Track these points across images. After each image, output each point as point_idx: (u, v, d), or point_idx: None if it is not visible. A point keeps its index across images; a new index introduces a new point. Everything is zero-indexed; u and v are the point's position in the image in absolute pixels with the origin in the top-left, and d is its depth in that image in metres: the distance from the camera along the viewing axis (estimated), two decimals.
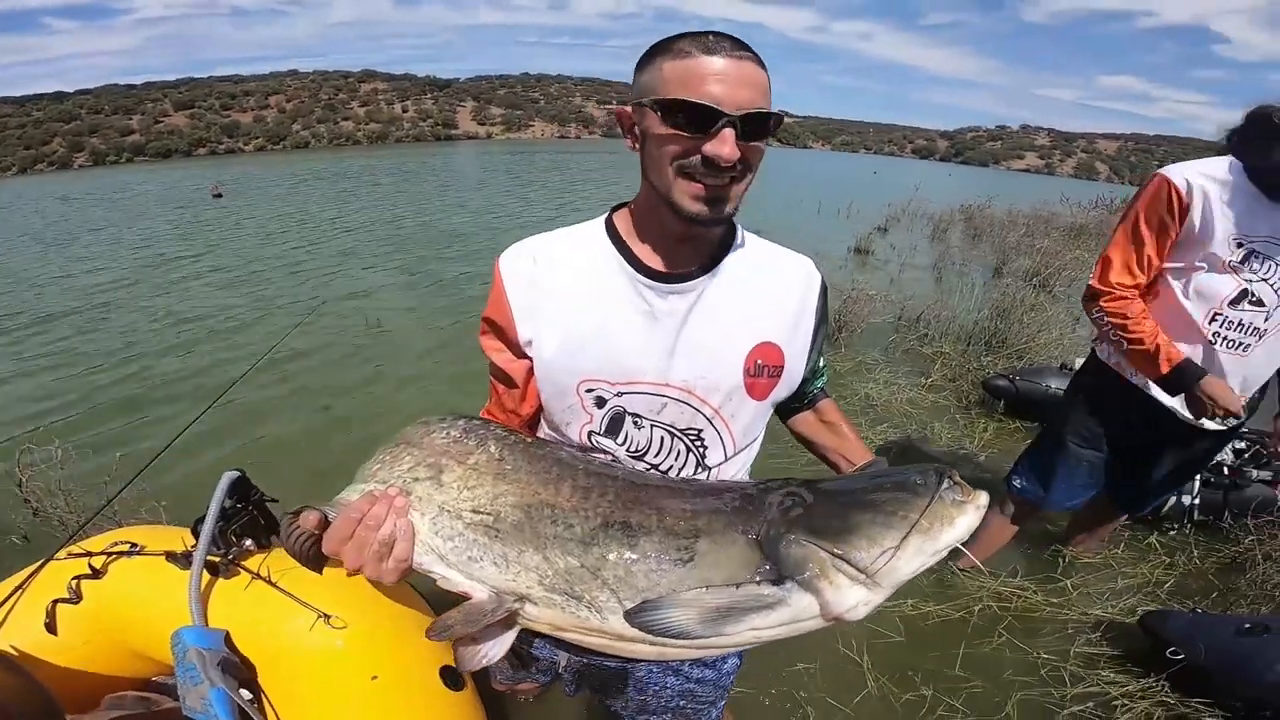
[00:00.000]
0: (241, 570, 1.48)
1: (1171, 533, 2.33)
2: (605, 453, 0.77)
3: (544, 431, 0.87)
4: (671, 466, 0.80)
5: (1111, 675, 1.67)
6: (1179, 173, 1.46)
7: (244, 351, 4.46)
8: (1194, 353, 1.52)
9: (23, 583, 1.45)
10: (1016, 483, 1.93)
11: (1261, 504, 2.23)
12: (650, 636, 0.57)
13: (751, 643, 0.60)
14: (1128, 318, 1.54)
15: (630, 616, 0.57)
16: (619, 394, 0.76)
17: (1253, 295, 1.44)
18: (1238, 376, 1.53)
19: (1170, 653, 1.58)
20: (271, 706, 1.28)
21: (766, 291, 0.79)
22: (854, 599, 0.58)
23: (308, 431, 3.29)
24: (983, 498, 0.63)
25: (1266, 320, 1.45)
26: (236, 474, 1.67)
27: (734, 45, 0.64)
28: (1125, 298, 1.55)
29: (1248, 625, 1.54)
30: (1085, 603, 1.95)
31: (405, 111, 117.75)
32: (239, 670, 1.30)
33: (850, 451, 0.91)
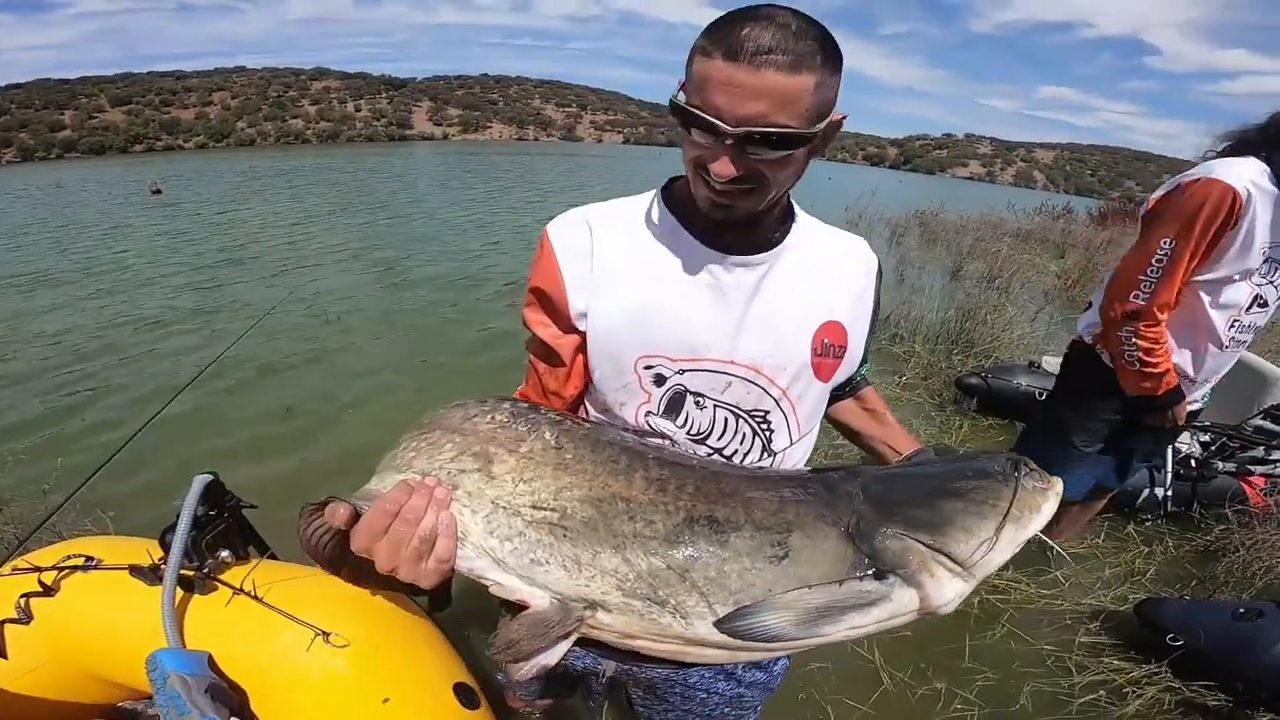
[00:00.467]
0: (219, 585, 1.35)
1: (1147, 523, 2.41)
2: (664, 436, 0.72)
3: (591, 416, 0.80)
4: (736, 451, 0.75)
5: (1116, 663, 1.70)
6: (1238, 178, 1.33)
7: (193, 357, 4.20)
8: (1210, 359, 1.53)
9: None
10: None
11: (1229, 495, 2.32)
12: (738, 641, 0.52)
13: (841, 641, 0.55)
14: (1158, 344, 1.49)
15: (724, 624, 0.51)
16: (681, 371, 0.71)
17: (1261, 298, 1.45)
18: (1221, 371, 1.59)
19: (1170, 639, 1.61)
20: None
21: (833, 270, 0.76)
22: (952, 592, 0.54)
23: (269, 436, 3.11)
24: (1059, 484, 0.61)
25: (1266, 318, 1.49)
26: (209, 477, 1.51)
27: (766, 45, 0.55)
28: (1162, 322, 1.49)
29: (1242, 610, 1.59)
30: (1078, 593, 1.99)
31: (359, 110, 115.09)
32: (229, 697, 1.18)
33: (895, 440, 0.88)
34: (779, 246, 0.73)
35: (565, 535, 0.55)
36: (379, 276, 6.48)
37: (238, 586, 1.33)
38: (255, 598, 1.30)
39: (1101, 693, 1.62)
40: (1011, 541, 0.56)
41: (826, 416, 0.92)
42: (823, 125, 0.60)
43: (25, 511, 2.16)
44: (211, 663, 1.22)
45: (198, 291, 5.97)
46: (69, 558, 1.41)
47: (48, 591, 1.34)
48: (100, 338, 4.68)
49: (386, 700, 1.14)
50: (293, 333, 4.63)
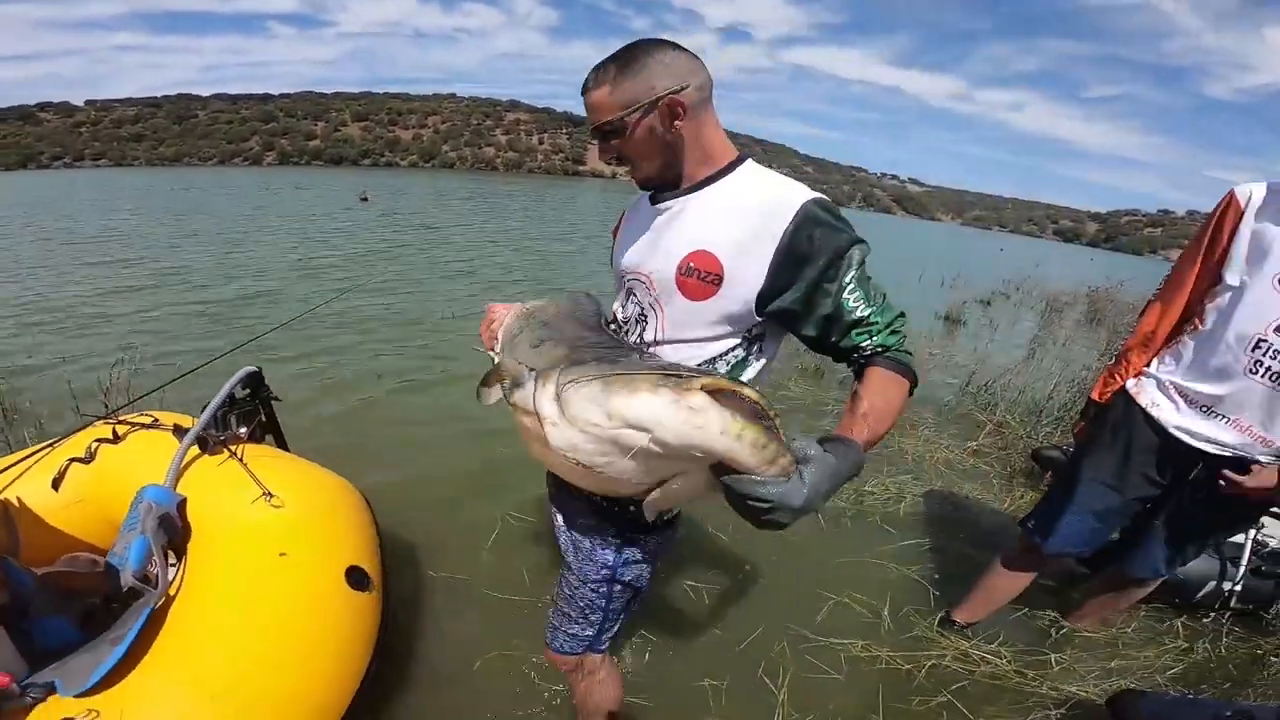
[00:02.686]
0: (225, 450, 1.61)
1: (1205, 620, 2.03)
2: (617, 319, 1.10)
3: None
4: (629, 331, 1.04)
5: None
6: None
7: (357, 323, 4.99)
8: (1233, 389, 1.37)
9: (55, 441, 1.61)
10: (1029, 523, 1.76)
11: None
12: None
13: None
14: None
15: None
16: (624, 277, 1.07)
17: None
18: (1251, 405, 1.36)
19: None
20: (183, 569, 1.36)
21: (724, 212, 0.92)
22: (544, 404, 0.73)
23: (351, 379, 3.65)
24: (696, 398, 0.61)
25: None
26: (254, 368, 1.85)
27: (585, 82, 0.93)
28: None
29: (1229, 713, 1.31)
30: (1064, 678, 1.73)
31: (541, 144, 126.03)
32: (175, 531, 1.41)
33: (843, 427, 0.86)
34: (692, 193, 0.96)
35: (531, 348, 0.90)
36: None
37: (234, 452, 1.60)
38: (240, 461, 1.56)
39: None
40: (591, 399, 0.67)
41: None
42: (632, 111, 0.89)
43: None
44: (182, 505, 1.46)
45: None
46: (142, 415, 1.77)
47: (116, 440, 1.65)
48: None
49: (283, 554, 1.33)
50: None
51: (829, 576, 2.16)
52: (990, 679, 1.73)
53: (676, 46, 0.92)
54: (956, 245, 36.36)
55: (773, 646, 1.82)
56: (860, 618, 1.98)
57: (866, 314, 0.87)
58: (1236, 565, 2.00)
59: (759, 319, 0.92)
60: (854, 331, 0.88)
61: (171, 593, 1.28)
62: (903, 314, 0.90)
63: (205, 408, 1.66)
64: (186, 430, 1.64)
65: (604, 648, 1.24)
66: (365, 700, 1.32)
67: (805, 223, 0.85)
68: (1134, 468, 1.55)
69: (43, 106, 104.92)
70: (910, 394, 0.88)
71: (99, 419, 1.74)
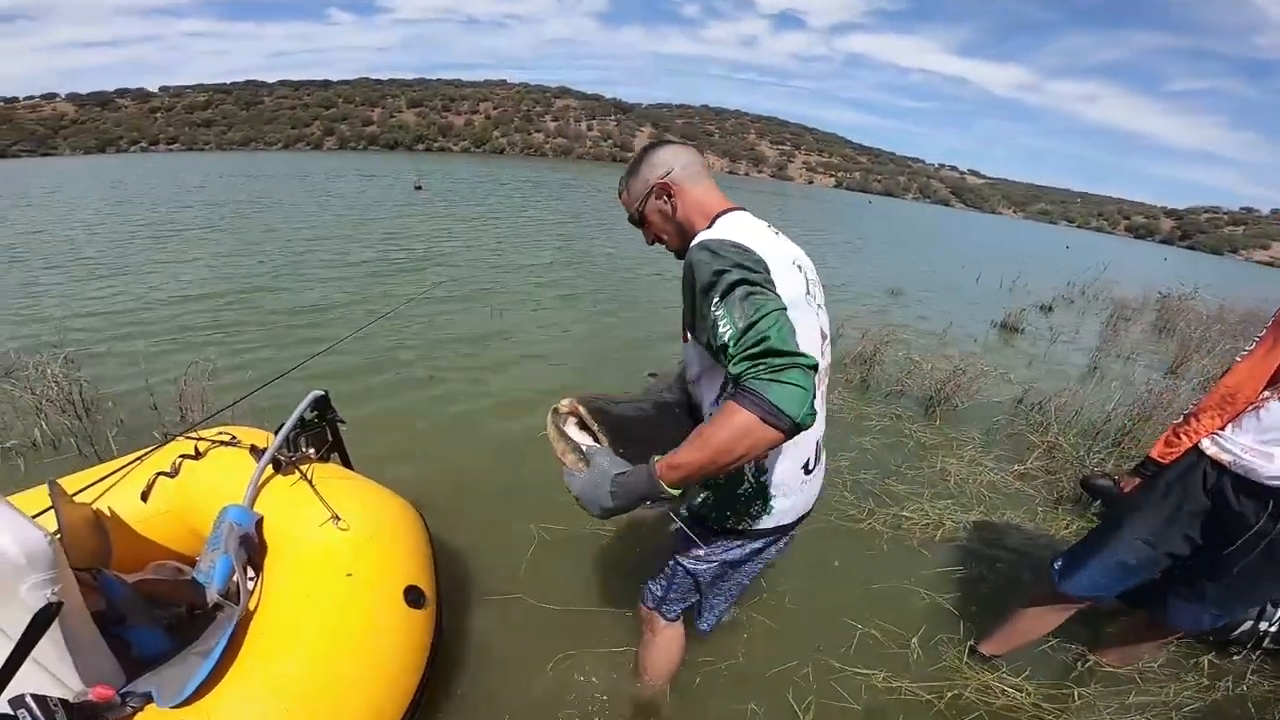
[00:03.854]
0: (296, 470, 1.74)
1: (1235, 657, 1.97)
2: None
3: None
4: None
5: None
6: None
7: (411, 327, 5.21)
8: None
9: (142, 455, 1.79)
10: (1056, 563, 1.78)
11: None
12: None
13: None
14: None
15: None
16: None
17: None
18: None
19: None
20: (260, 584, 1.49)
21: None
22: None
23: (401, 388, 3.82)
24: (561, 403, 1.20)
25: None
26: (321, 392, 1.98)
27: (619, 191, 1.27)
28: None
29: None
30: (1082, 714, 1.72)
31: (590, 130, 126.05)
32: (254, 549, 1.53)
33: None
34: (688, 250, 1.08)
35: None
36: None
37: (305, 474, 1.72)
38: (310, 482, 1.67)
39: None
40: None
41: None
42: (641, 201, 1.21)
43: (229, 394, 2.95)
44: (260, 524, 1.59)
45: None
46: (221, 434, 1.92)
47: (198, 455, 1.81)
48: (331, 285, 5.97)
49: (349, 575, 1.44)
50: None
51: (861, 603, 2.17)
52: (1008, 711, 1.74)
53: (665, 143, 1.23)
54: (1019, 238, 34.79)
55: (799, 673, 1.86)
56: (887, 648, 2.00)
57: (727, 341, 0.90)
58: (1277, 606, 1.94)
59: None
60: (723, 358, 0.92)
61: (251, 607, 1.40)
62: (762, 335, 0.86)
63: (279, 430, 1.79)
64: (262, 450, 1.77)
65: (670, 616, 1.49)
66: (420, 711, 1.42)
67: (693, 259, 1.00)
68: (1177, 529, 1.55)
69: (121, 93, 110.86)
70: (771, 424, 0.83)
71: (182, 434, 1.91)
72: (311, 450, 1.88)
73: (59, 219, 11.20)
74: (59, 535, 1.35)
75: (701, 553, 1.31)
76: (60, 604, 1.04)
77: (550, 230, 12.59)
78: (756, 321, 0.87)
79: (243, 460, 1.78)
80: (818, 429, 1.19)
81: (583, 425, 1.15)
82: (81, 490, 1.63)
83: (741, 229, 1.06)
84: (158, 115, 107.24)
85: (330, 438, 1.99)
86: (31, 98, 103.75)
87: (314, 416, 1.96)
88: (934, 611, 2.19)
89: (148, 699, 1.14)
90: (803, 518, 1.27)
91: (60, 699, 1.01)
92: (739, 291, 0.91)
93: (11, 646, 0.98)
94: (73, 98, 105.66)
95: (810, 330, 1.08)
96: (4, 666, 0.97)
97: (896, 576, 2.35)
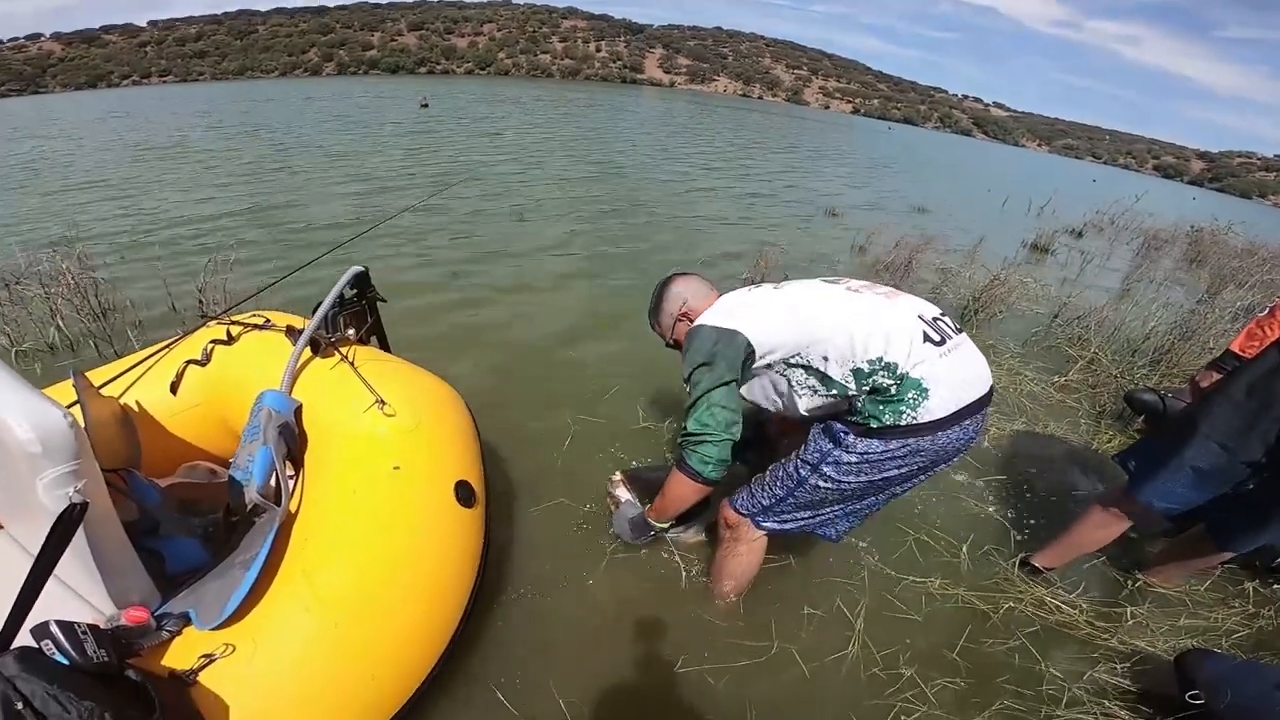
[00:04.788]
0: (336, 352, 1.58)
1: (1276, 586, 1.93)
2: None
3: None
4: None
5: (1114, 708, 1.44)
6: None
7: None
8: None
9: (171, 343, 1.59)
10: (1130, 463, 1.64)
11: None
12: None
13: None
14: None
15: None
16: None
17: None
18: None
19: (1190, 696, 1.33)
20: (301, 481, 1.35)
21: None
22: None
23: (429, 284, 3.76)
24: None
25: None
26: (361, 268, 1.78)
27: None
28: None
29: None
30: (1136, 633, 1.67)
31: (598, 51, 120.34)
32: (293, 439, 1.37)
33: None
34: None
35: None
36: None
37: (345, 355, 1.58)
38: (352, 365, 1.53)
39: None
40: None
41: None
42: (670, 331, 1.56)
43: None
44: (299, 411, 1.44)
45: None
46: (254, 315, 1.76)
47: (230, 341, 1.64)
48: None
49: (397, 468, 1.30)
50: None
51: (910, 513, 2.12)
52: (1063, 627, 1.69)
53: (673, 279, 1.56)
54: (1042, 170, 33.44)
55: (856, 576, 1.82)
56: (939, 556, 1.95)
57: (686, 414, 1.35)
58: None
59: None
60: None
61: (291, 509, 1.26)
62: (695, 432, 1.31)
63: (316, 308, 1.64)
64: (298, 331, 1.62)
65: (766, 527, 1.46)
66: (471, 621, 1.31)
67: (687, 343, 1.40)
68: (1259, 431, 1.39)
69: (107, 29, 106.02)
70: (699, 488, 1.38)
71: (213, 319, 1.75)
72: (350, 331, 1.75)
73: (69, 148, 10.86)
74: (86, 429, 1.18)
75: (854, 460, 1.23)
76: (86, 504, 0.85)
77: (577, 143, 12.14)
78: (691, 408, 1.33)
79: (279, 344, 1.63)
80: (907, 315, 1.26)
81: (625, 485, 1.88)
82: (106, 384, 1.45)
83: (730, 310, 1.38)
84: (147, 49, 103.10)
85: (370, 318, 1.86)
86: (16, 39, 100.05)
87: (353, 294, 1.81)
88: (982, 522, 2.13)
89: (185, 620, 1.01)
90: (968, 408, 1.21)
91: (89, 625, 0.83)
92: (694, 376, 1.31)
93: (30, 563, 0.81)
94: (58, 36, 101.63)
95: (842, 303, 1.32)
96: (23, 588, 0.80)
97: (942, 483, 2.31)
